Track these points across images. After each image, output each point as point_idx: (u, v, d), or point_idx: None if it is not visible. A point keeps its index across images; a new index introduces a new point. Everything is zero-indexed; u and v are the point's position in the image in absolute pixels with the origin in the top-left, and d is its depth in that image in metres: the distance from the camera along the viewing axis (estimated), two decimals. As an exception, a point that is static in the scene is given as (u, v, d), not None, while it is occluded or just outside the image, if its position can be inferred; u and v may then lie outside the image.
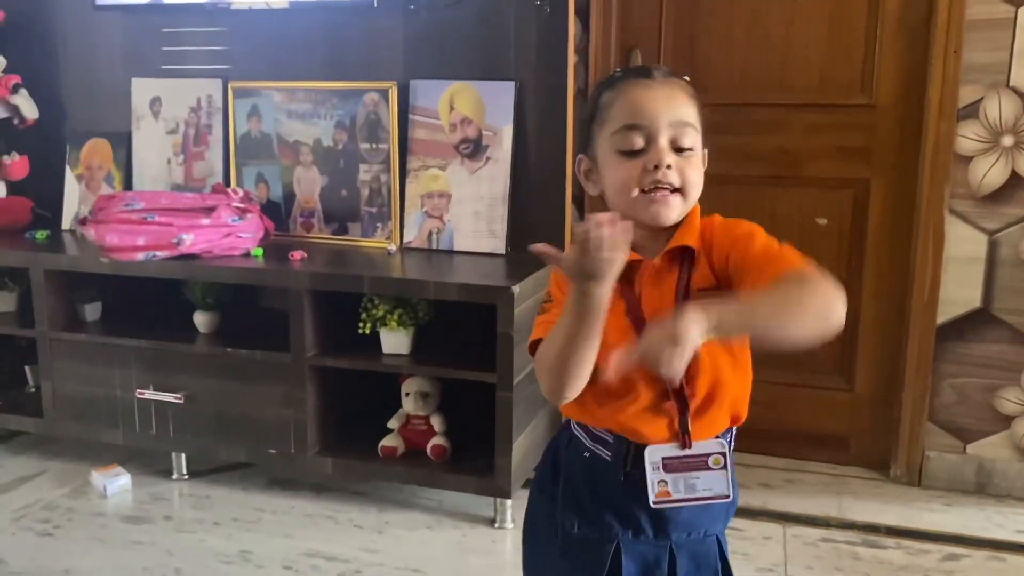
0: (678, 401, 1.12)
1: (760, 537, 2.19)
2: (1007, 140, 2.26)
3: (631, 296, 1.12)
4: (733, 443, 1.19)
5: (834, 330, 0.97)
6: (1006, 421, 2.37)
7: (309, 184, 2.66)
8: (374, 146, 2.58)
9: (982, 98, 2.26)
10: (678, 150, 1.09)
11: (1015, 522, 2.26)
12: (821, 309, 0.97)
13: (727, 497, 1.14)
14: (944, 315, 2.36)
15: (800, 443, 2.62)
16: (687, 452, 1.12)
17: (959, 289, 2.34)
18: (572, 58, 2.46)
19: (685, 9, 2.51)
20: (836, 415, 2.58)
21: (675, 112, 1.09)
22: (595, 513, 1.17)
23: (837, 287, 0.98)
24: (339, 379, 2.36)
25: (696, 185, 1.11)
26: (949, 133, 2.29)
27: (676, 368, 0.92)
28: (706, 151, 1.15)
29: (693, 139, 1.10)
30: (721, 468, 1.13)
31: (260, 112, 2.68)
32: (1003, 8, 2.20)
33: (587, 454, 1.18)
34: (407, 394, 2.29)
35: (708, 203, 1.14)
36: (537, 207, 2.51)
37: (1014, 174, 2.26)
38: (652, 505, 1.13)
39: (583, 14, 2.48)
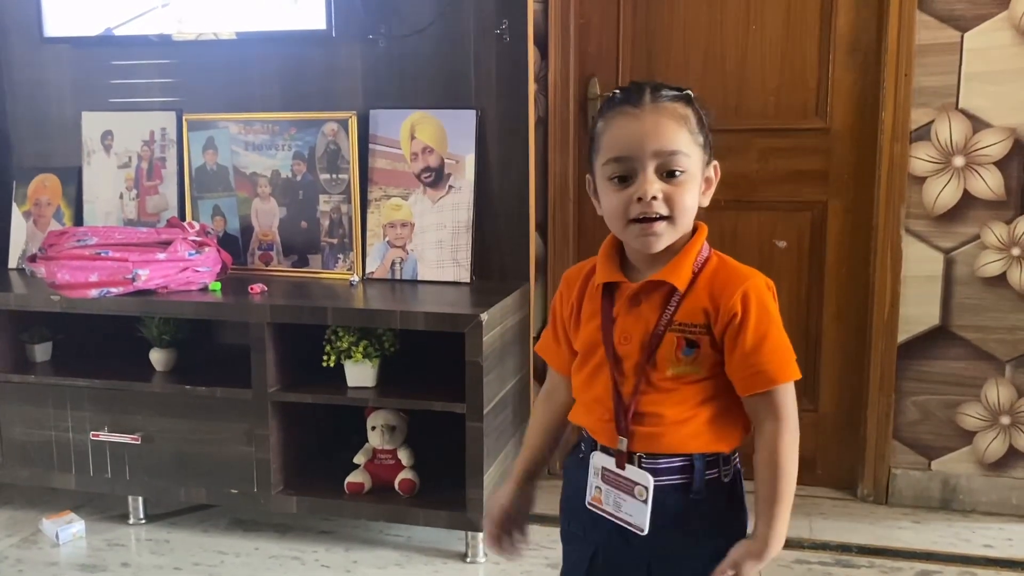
0: (621, 423, 1.14)
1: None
2: (958, 161, 2.32)
3: (608, 314, 1.16)
4: (707, 474, 1.15)
5: None
6: (968, 436, 2.41)
7: (267, 216, 2.62)
8: (334, 176, 2.55)
9: (933, 120, 2.31)
10: (670, 174, 1.09)
11: (982, 536, 2.28)
12: (793, 462, 1.19)
13: (641, 530, 1.13)
14: (904, 333, 2.40)
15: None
16: (620, 472, 1.15)
17: (918, 307, 2.38)
18: (532, 86, 2.47)
19: (641, 38, 2.54)
20: (801, 436, 2.58)
21: (660, 142, 1.08)
22: (579, 513, 1.21)
23: (794, 431, 1.20)
24: (303, 414, 2.30)
25: (687, 209, 1.11)
26: (903, 155, 2.34)
27: None
28: (715, 164, 1.15)
29: (683, 163, 1.09)
30: (643, 501, 1.13)
31: (216, 144, 2.63)
32: (950, 33, 2.27)
33: (579, 455, 1.24)
34: (373, 428, 2.24)
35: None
36: (501, 235, 2.50)
37: (966, 193, 2.32)
38: (587, 505, 1.18)
39: (542, 43, 2.50)
